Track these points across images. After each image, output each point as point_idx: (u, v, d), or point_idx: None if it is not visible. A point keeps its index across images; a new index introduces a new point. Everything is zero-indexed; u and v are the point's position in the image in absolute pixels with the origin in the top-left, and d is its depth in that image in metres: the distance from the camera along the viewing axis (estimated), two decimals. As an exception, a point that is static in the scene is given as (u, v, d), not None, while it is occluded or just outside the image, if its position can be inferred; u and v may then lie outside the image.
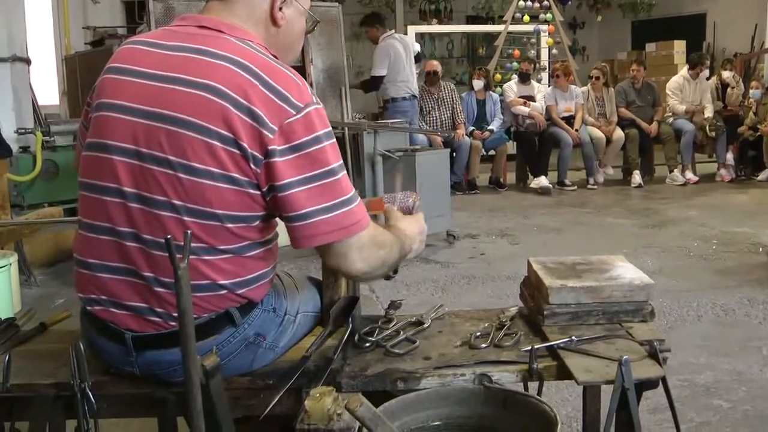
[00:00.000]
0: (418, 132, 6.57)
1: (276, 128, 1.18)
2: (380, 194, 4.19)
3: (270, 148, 1.18)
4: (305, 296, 1.50)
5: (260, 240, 1.27)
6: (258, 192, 1.22)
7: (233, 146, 1.18)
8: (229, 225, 1.22)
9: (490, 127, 7.40)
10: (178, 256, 0.92)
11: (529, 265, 1.65)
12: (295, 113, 1.18)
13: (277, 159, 1.18)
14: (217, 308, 1.27)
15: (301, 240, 1.22)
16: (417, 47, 6.90)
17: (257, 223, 1.25)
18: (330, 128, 1.23)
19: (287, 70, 1.23)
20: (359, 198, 1.25)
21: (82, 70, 6.89)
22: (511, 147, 7.69)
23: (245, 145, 1.18)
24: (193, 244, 1.19)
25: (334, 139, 1.23)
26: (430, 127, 7.09)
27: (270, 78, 1.20)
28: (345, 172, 1.23)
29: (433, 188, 4.40)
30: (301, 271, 4.12)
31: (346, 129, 4.74)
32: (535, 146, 7.24)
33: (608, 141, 7.26)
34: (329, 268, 1.47)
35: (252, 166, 1.19)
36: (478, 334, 1.49)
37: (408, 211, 1.59)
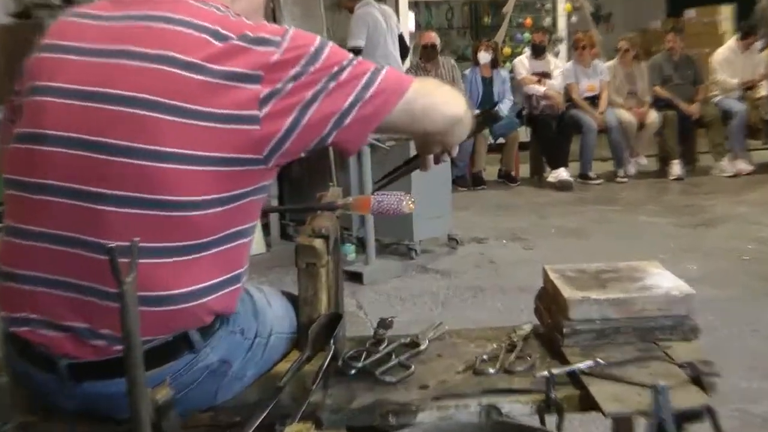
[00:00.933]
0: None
1: (261, 74, 1.19)
2: (368, 192, 4.19)
3: (263, 95, 1.19)
4: (279, 314, 1.49)
5: (238, 229, 1.27)
6: (258, 155, 1.22)
7: (215, 120, 1.18)
8: (197, 213, 1.21)
9: (497, 109, 7.42)
10: (125, 260, 0.92)
11: (546, 273, 1.65)
12: (275, 48, 1.20)
13: (276, 101, 1.20)
14: (173, 328, 1.26)
15: (357, 127, 1.26)
16: (411, 21, 6.88)
17: (238, 203, 1.25)
18: (319, 37, 1.26)
19: (257, 22, 1.26)
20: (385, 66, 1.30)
21: (4, 48, 6.83)
22: (524, 134, 7.72)
23: (232, 112, 1.18)
24: (147, 244, 1.18)
25: (331, 42, 1.26)
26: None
27: (240, 33, 1.21)
28: (359, 58, 1.27)
29: (430, 184, 4.40)
30: (273, 285, 4.08)
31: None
32: (553, 132, 7.28)
33: (640, 125, 7.30)
34: (301, 277, 1.47)
35: (247, 126, 1.19)
36: (485, 357, 1.49)
37: (396, 213, 1.60)
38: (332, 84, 1.23)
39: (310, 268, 1.52)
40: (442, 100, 1.35)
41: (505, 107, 7.41)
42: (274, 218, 5.15)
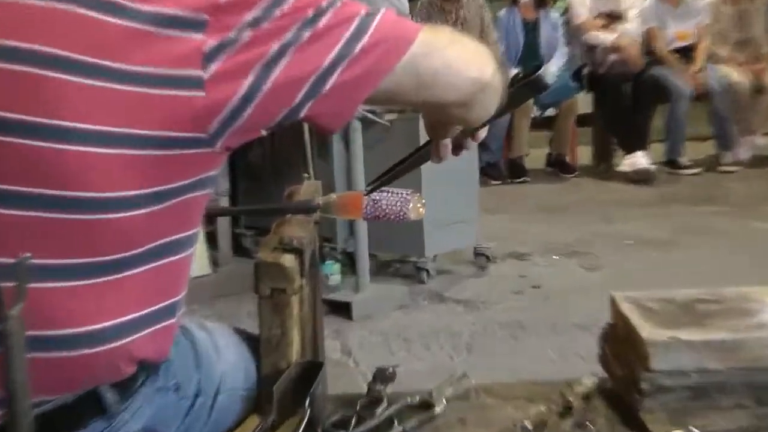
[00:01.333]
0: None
1: (206, 18, 1.19)
2: (360, 188, 4.19)
3: (208, 48, 1.19)
4: (230, 362, 1.49)
5: (171, 240, 1.27)
6: (201, 133, 1.21)
7: (140, 83, 1.18)
8: (113, 216, 1.21)
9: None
10: (9, 285, 0.92)
11: (615, 304, 1.66)
12: None
13: (227, 57, 1.19)
14: (77, 384, 1.26)
15: (347, 95, 1.28)
16: None
17: (172, 202, 1.25)
18: None
19: None
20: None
21: None
22: (584, 103, 7.75)
23: (164, 71, 1.18)
24: (43, 261, 1.18)
25: None
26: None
27: None
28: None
29: (449, 176, 4.40)
30: (223, 321, 4.05)
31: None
32: (626, 100, 7.31)
33: (757, 89, 7.33)
34: (264, 307, 1.47)
35: (186, 91, 1.19)
36: (528, 425, 1.49)
37: (398, 219, 1.60)
38: (306, 33, 1.23)
39: (277, 297, 1.52)
40: (461, 58, 1.35)
41: (555, 65, 7.44)
42: (223, 225, 5.14)
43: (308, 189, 1.91)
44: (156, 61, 1.19)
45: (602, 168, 7.54)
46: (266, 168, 5.25)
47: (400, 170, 1.67)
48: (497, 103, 1.44)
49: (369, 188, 1.72)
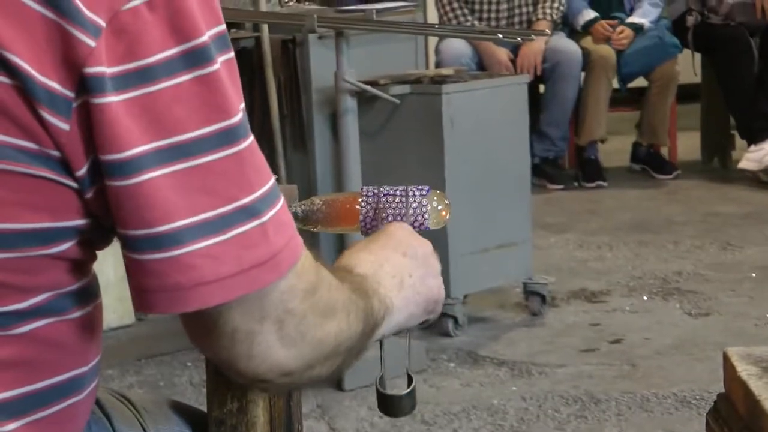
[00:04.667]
0: (445, 34, 6.67)
1: (101, 23, 1.21)
2: (354, 186, 4.17)
3: (91, 71, 1.21)
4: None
5: (64, 292, 1.29)
6: (66, 176, 1.24)
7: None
8: None
9: (632, 21, 7.52)
10: None
11: (731, 366, 1.67)
12: None
13: (109, 97, 1.21)
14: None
15: (162, 295, 1.25)
16: None
17: (60, 248, 1.27)
18: (220, 25, 1.27)
19: None
20: (282, 196, 1.30)
21: None
22: (689, 70, 7.76)
23: (28, 71, 1.20)
24: None
25: (231, 52, 1.28)
26: (482, 22, 7.20)
27: None
28: (251, 136, 1.28)
29: (488, 177, 4.41)
30: (156, 391, 4.10)
31: (266, 30, 4.83)
32: (754, 65, 7.34)
33: None
34: (217, 368, 1.49)
35: (48, 117, 1.21)
36: None
37: (419, 225, 1.62)
38: (186, 161, 1.25)
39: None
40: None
41: (648, 16, 7.50)
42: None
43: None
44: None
45: (715, 164, 7.54)
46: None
47: None
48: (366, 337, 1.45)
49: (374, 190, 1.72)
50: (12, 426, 1.28)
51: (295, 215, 1.68)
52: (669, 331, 4.72)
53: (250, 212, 1.27)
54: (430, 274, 1.58)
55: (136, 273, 1.27)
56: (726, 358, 1.70)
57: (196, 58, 1.25)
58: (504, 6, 7.24)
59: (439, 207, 1.64)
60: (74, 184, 1.25)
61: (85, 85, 1.22)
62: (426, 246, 1.59)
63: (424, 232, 1.63)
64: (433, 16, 7.62)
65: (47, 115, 1.22)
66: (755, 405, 1.58)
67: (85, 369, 1.34)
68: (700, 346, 4.35)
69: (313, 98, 4.76)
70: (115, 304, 4.36)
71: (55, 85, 1.22)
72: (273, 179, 1.31)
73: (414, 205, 1.63)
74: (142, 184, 1.23)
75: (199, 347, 1.34)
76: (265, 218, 1.28)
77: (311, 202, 1.69)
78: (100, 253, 1.37)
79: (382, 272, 1.51)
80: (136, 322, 4.88)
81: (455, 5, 7.15)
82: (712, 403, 1.74)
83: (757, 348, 1.72)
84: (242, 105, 1.29)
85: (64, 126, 1.22)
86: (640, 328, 4.76)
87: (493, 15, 7.25)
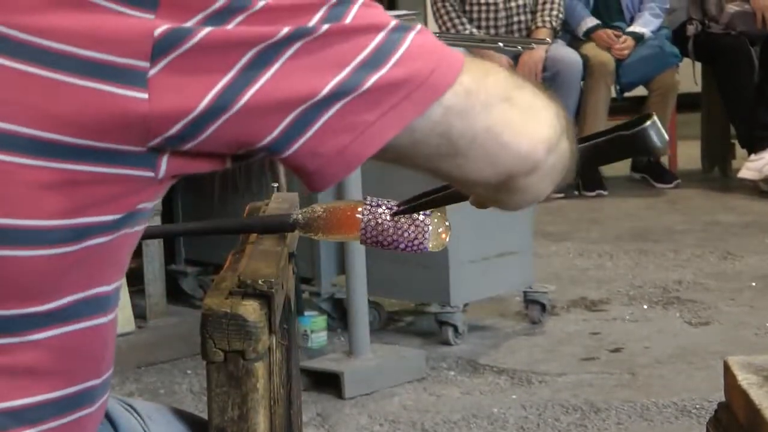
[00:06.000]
0: (446, 43, 6.62)
1: None
2: (355, 194, 4.16)
3: (160, 34, 1.18)
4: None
5: (89, 295, 1.29)
6: (138, 148, 1.20)
7: (60, 67, 1.19)
8: (12, 253, 1.23)
9: (633, 30, 7.54)
10: None
11: (732, 375, 1.67)
12: None
13: (185, 54, 1.17)
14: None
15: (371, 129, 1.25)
16: None
17: (97, 240, 1.26)
18: None
19: None
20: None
21: None
22: (689, 78, 7.77)
23: (99, 55, 1.18)
24: None
25: None
26: (480, 30, 7.24)
27: None
28: None
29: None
30: (156, 399, 4.09)
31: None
32: (754, 74, 7.35)
33: None
34: (219, 376, 1.49)
35: (120, 88, 1.19)
36: None
37: (412, 249, 1.62)
38: (301, 42, 1.22)
39: (234, 364, 1.53)
40: (513, 123, 1.32)
41: (649, 25, 7.52)
42: (153, 259, 5.12)
43: (280, 204, 1.91)
44: (81, 39, 1.20)
45: (715, 174, 7.56)
46: (217, 176, 5.24)
47: (427, 201, 1.65)
48: (554, 184, 1.40)
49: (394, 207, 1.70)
50: None
51: (296, 222, 1.69)
52: (669, 340, 4.73)
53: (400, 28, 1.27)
54: None
55: (321, 141, 1.24)
56: (726, 367, 1.70)
57: None
58: (502, 14, 7.27)
59: (440, 229, 1.64)
60: (144, 149, 1.23)
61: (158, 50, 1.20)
62: None
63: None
64: (433, 26, 7.64)
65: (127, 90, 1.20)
66: (756, 414, 1.58)
67: (97, 381, 1.34)
68: (700, 355, 4.36)
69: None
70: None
71: (130, 61, 1.20)
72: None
73: (415, 224, 1.63)
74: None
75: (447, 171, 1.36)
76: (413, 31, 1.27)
77: (312, 210, 1.70)
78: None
79: None
80: (136, 330, 4.86)
81: (453, 14, 7.18)
82: (713, 412, 1.74)
83: (758, 357, 1.72)
84: None
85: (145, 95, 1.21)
86: (640, 336, 4.78)
87: (491, 23, 7.28)
